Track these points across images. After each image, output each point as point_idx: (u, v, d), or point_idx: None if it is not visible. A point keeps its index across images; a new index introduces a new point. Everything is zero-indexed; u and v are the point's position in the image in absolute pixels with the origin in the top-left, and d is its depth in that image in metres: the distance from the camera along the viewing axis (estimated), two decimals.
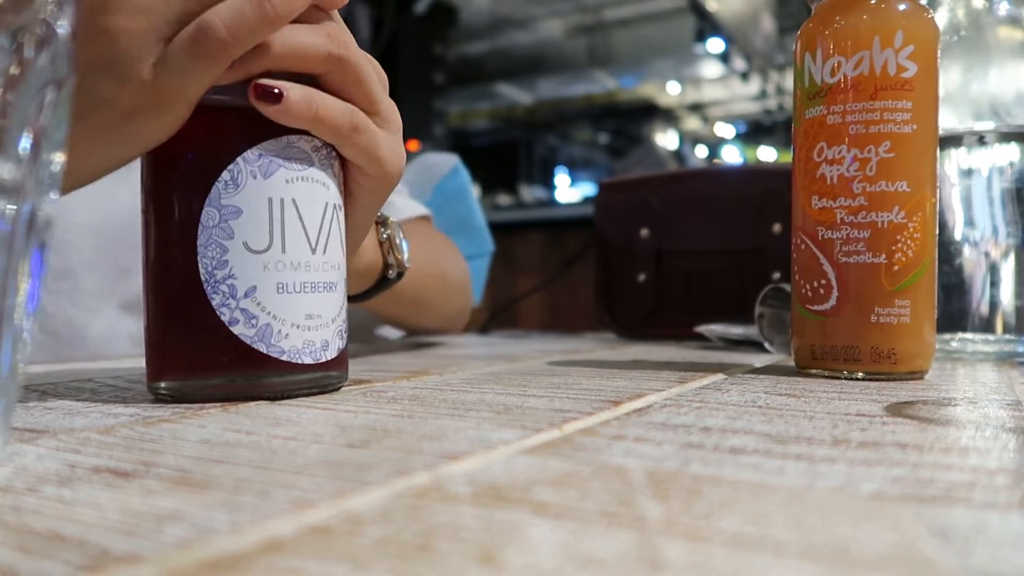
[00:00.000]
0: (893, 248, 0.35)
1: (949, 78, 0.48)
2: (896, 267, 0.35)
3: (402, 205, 0.75)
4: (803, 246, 0.37)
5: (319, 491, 0.15)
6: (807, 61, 0.38)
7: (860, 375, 0.35)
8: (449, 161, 0.98)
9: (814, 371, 0.37)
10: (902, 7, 0.36)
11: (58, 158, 0.17)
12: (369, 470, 0.17)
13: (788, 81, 7.23)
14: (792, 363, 0.39)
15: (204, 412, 0.25)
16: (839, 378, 0.35)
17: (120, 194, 0.58)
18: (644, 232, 0.72)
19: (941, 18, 0.49)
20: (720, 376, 0.36)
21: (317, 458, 0.18)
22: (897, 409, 0.26)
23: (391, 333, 0.80)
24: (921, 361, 0.36)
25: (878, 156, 0.36)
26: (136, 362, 0.45)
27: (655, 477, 0.16)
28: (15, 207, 0.16)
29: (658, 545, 0.12)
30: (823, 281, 0.37)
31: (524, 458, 0.18)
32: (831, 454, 0.18)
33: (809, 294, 0.37)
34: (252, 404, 0.27)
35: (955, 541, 0.12)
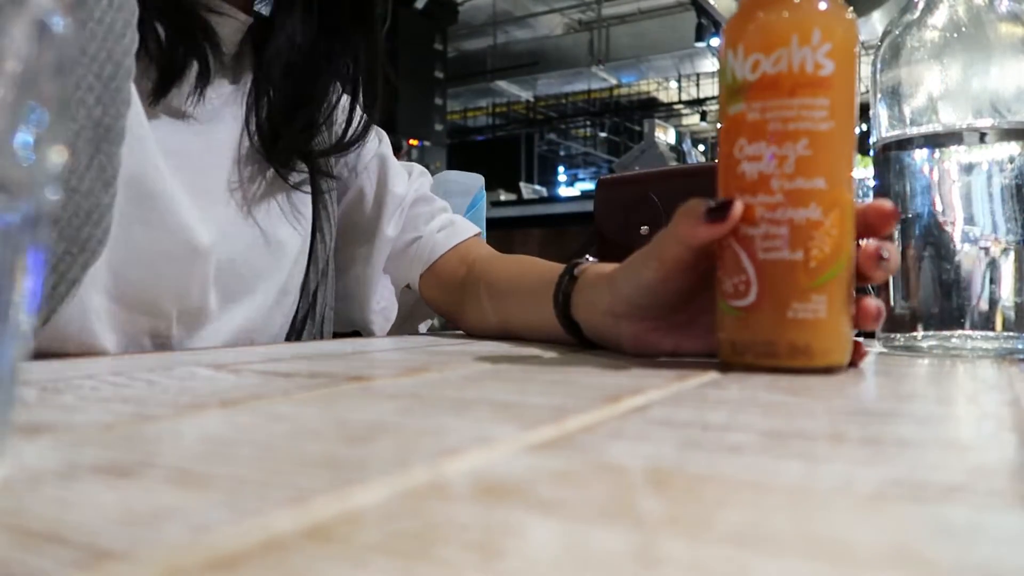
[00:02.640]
0: (810, 244, 0.36)
1: (949, 75, 0.48)
2: (813, 263, 0.36)
3: (463, 224, 0.75)
4: (725, 242, 0.38)
5: (319, 488, 0.15)
6: (730, 57, 0.38)
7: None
8: (477, 181, 1.01)
9: (735, 366, 0.38)
10: (821, 6, 0.37)
11: (57, 155, 0.17)
12: (368, 467, 0.17)
13: None
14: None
15: (203, 409, 0.25)
16: (793, 372, 0.35)
17: (236, 237, 0.60)
18: (644, 229, 0.72)
19: (942, 14, 0.49)
20: (720, 373, 0.36)
21: (316, 455, 0.18)
22: (896, 406, 0.26)
23: (423, 327, 0.80)
24: (836, 355, 0.36)
25: (796, 153, 0.36)
26: (136, 359, 0.45)
27: (654, 474, 0.16)
28: (13, 204, 0.16)
29: (658, 543, 0.12)
30: (743, 277, 0.37)
31: (524, 455, 0.18)
32: (831, 451, 0.18)
33: (731, 290, 0.38)
34: (252, 401, 0.27)
35: (955, 539, 0.12)
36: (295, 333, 0.67)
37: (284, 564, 0.11)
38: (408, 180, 0.75)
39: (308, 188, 0.66)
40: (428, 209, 0.74)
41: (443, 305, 0.72)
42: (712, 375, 0.35)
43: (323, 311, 0.68)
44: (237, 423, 0.22)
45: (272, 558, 0.11)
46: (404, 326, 0.78)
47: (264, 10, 0.65)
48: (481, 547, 0.12)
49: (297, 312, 0.66)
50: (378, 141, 0.75)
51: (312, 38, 0.64)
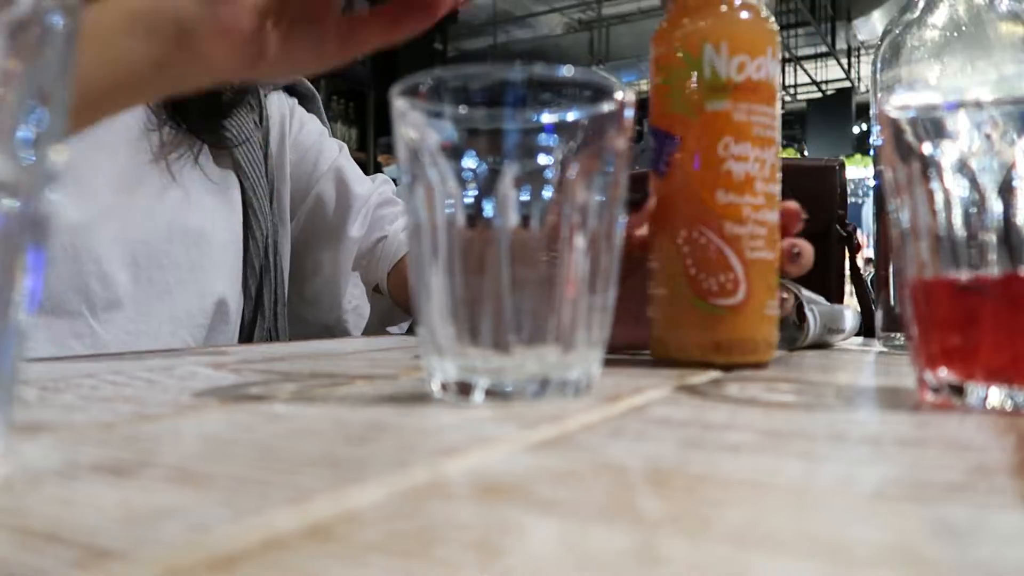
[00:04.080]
0: (775, 246, 0.38)
1: (949, 74, 0.47)
2: (776, 263, 0.38)
3: None
4: (704, 240, 0.38)
5: (318, 487, 0.15)
6: (709, 51, 0.38)
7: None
8: None
9: (716, 365, 0.38)
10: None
11: (56, 154, 0.17)
12: (368, 466, 0.17)
13: (789, 77, 7.21)
14: (792, 358, 0.39)
15: (203, 409, 0.25)
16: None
17: (148, 222, 0.61)
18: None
19: (942, 13, 0.49)
20: (719, 373, 0.36)
21: (316, 454, 0.18)
22: (896, 405, 0.26)
23: (396, 331, 0.81)
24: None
25: (770, 159, 0.38)
26: (137, 359, 0.45)
27: (654, 474, 0.16)
28: (14, 204, 0.16)
29: (657, 542, 0.12)
30: (730, 275, 0.37)
31: (523, 455, 0.18)
32: (830, 451, 0.18)
33: (715, 288, 0.38)
34: (252, 401, 0.27)
35: (955, 538, 0.12)
36: (244, 333, 0.68)
37: (284, 563, 0.11)
38: (371, 184, 0.77)
39: (229, 165, 0.67)
40: (393, 210, 0.76)
41: (408, 303, 0.75)
42: (712, 375, 0.35)
43: (272, 309, 0.70)
44: (237, 423, 0.22)
45: (272, 557, 0.11)
46: (382, 328, 0.80)
47: None
48: (481, 547, 0.12)
49: (243, 313, 0.67)
50: (338, 150, 0.78)
51: None
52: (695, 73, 0.38)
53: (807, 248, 0.41)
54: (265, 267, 0.69)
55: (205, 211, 0.64)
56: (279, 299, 0.71)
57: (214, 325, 0.65)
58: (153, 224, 0.61)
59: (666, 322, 0.38)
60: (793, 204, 0.40)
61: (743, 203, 0.37)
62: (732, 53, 0.37)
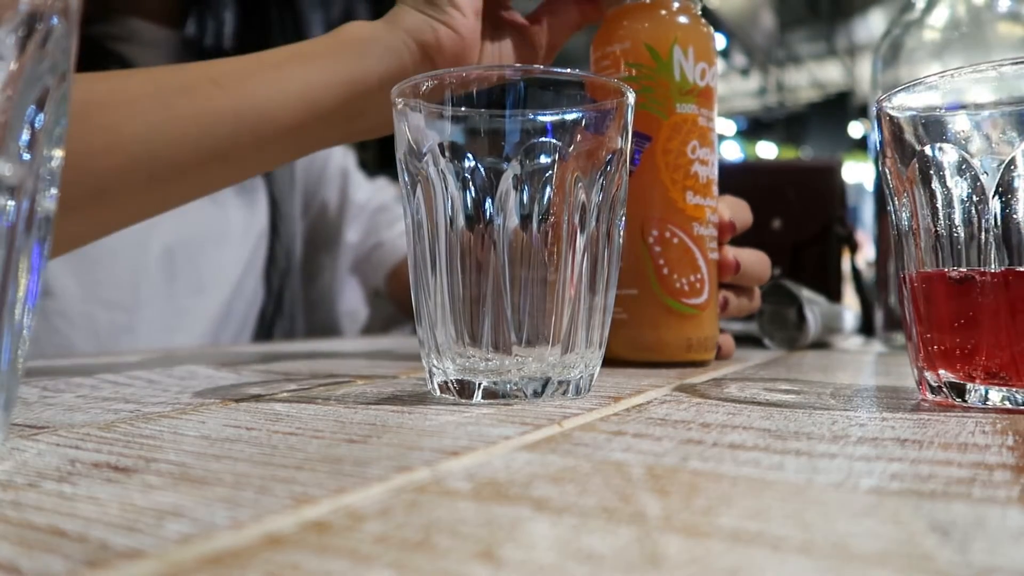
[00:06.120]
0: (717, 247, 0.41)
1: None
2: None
3: None
4: (676, 240, 0.38)
5: (319, 486, 0.15)
6: (678, 54, 0.38)
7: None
8: None
9: (684, 362, 0.39)
10: None
11: (58, 153, 0.17)
12: (369, 465, 0.17)
13: (788, 77, 7.21)
14: (792, 358, 0.39)
15: (203, 408, 0.25)
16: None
17: (183, 224, 0.62)
18: None
19: (942, 14, 0.49)
20: (720, 372, 0.36)
21: (317, 453, 0.18)
22: (896, 405, 0.26)
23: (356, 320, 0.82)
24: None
25: (715, 166, 0.40)
26: (137, 358, 0.45)
27: (654, 473, 0.16)
28: (15, 203, 0.16)
29: (657, 540, 0.12)
30: (698, 276, 0.38)
31: (524, 454, 0.18)
32: (830, 450, 0.18)
33: (686, 288, 0.38)
34: (252, 401, 0.27)
35: (954, 536, 0.12)
36: (265, 331, 0.69)
37: (284, 561, 0.11)
38: (371, 190, 0.80)
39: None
40: (390, 216, 0.78)
41: (408, 307, 0.78)
42: (711, 375, 0.35)
43: (291, 309, 0.72)
44: (237, 422, 0.22)
45: (272, 555, 0.11)
46: (383, 331, 0.82)
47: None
48: (481, 545, 0.12)
49: (265, 311, 0.69)
50: (343, 156, 0.80)
51: (241, 30, 0.67)
52: (664, 73, 0.38)
53: (745, 257, 0.42)
54: (287, 267, 0.70)
55: (234, 213, 0.66)
56: (297, 300, 0.73)
57: (239, 323, 0.67)
58: (187, 225, 0.63)
59: (638, 322, 0.38)
60: (724, 213, 0.41)
61: (706, 205, 0.38)
62: (697, 58, 0.38)
